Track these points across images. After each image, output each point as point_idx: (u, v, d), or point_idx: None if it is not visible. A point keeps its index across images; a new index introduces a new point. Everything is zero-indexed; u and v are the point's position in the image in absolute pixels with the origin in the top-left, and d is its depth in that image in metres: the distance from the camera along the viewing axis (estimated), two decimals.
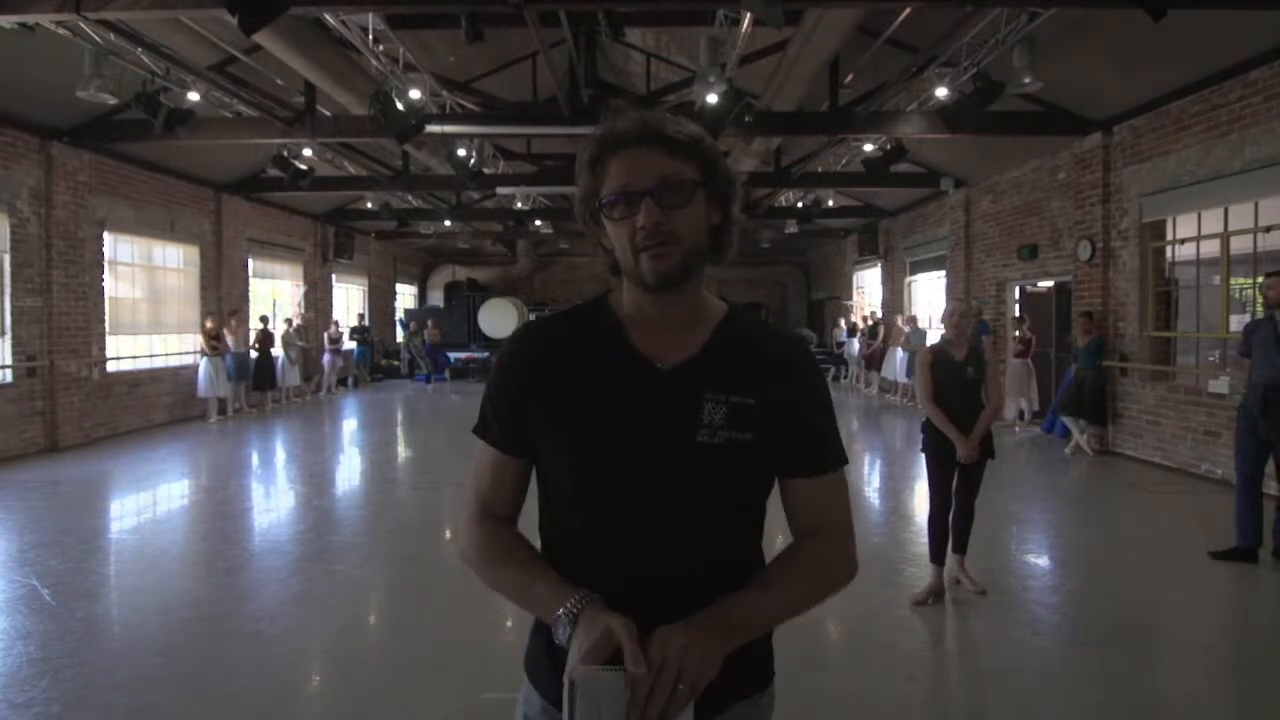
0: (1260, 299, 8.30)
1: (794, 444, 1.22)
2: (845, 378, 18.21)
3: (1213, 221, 7.90)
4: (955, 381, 4.32)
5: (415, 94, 8.28)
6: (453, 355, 19.77)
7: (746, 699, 1.24)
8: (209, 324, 11.86)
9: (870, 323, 16.46)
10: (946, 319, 4.50)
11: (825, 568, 1.25)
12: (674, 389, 1.17)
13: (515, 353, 1.25)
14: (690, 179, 1.15)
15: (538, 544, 1.26)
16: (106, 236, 10.45)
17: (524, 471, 1.27)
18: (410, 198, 15.45)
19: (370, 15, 7.15)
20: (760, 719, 1.28)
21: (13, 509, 6.58)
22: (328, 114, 9.67)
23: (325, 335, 15.41)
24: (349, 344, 17.99)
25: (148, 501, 7.19)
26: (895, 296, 16.59)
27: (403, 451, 10.47)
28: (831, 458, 1.25)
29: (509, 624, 4.02)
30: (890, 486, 8.04)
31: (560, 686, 1.21)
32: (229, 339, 12.18)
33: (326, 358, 15.42)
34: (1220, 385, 7.62)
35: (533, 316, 19.76)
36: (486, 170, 11.86)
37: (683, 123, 1.16)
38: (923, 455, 4.50)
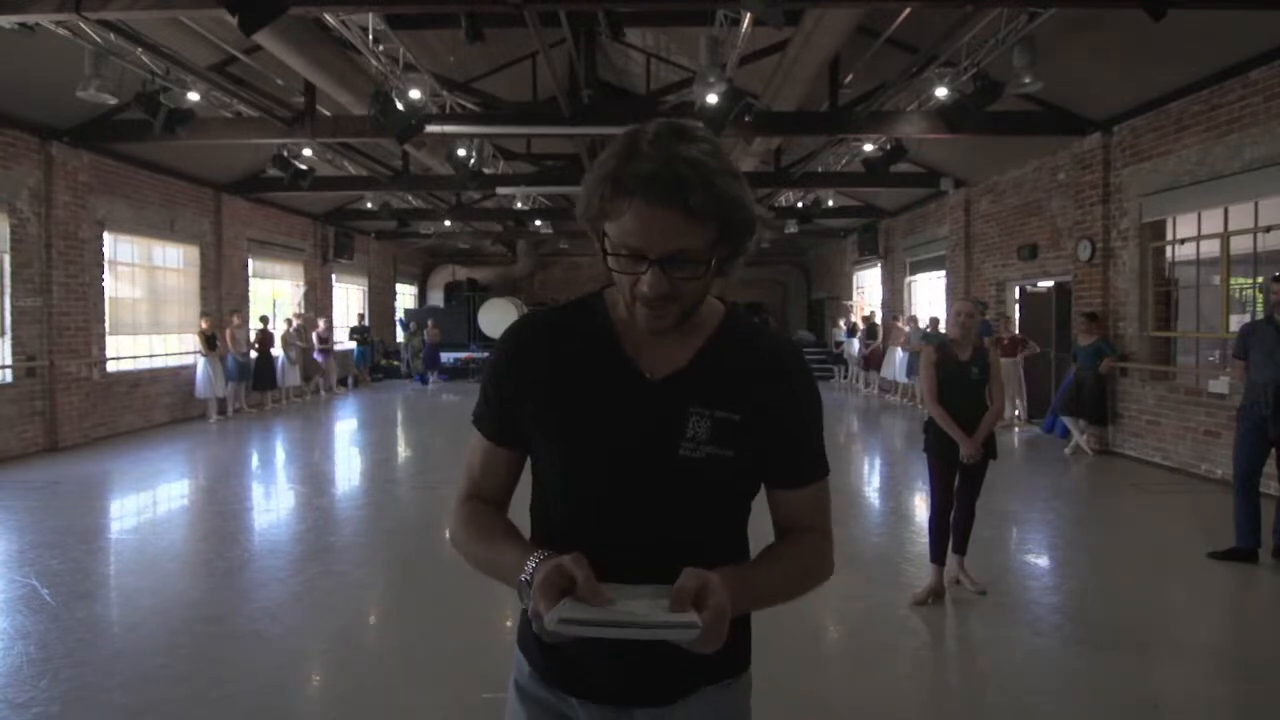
0: (1260, 299, 8.32)
1: (780, 459, 1.23)
2: (846, 377, 18.21)
3: (1213, 221, 7.90)
4: (959, 381, 4.32)
5: (415, 94, 8.28)
6: (451, 356, 19.75)
7: (716, 683, 1.25)
8: (204, 325, 11.85)
9: (867, 323, 16.45)
10: (952, 319, 4.50)
11: (812, 559, 1.26)
12: (661, 400, 1.17)
13: (509, 348, 1.25)
14: (707, 246, 1.07)
15: (527, 532, 1.28)
16: (106, 236, 10.45)
17: (515, 462, 1.29)
18: (410, 198, 15.46)
19: (370, 15, 7.15)
20: (733, 704, 1.28)
21: (13, 509, 6.58)
22: (328, 114, 9.67)
23: (314, 335, 15.15)
24: (348, 344, 17.98)
25: (148, 501, 7.19)
26: (895, 296, 16.59)
27: (402, 451, 10.47)
28: (816, 470, 1.26)
29: (509, 623, 4.02)
30: (890, 486, 8.04)
31: (545, 660, 1.24)
32: (227, 340, 12.18)
33: (318, 358, 15.31)
34: (1220, 385, 7.63)
35: None
36: (486, 170, 11.86)
37: (716, 177, 1.04)
38: (924, 455, 4.50)
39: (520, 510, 1.31)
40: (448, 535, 1.31)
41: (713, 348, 1.20)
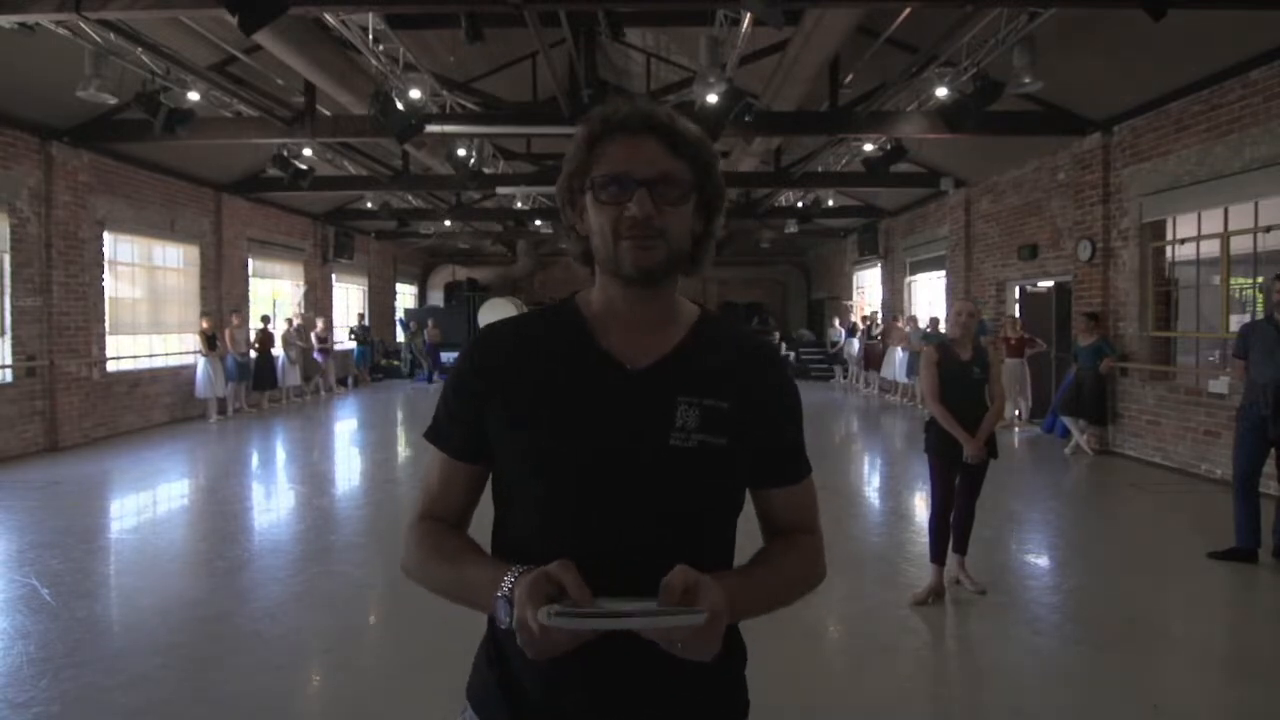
0: (1260, 299, 8.32)
1: (766, 455, 1.20)
2: (845, 377, 18.21)
3: (1213, 221, 7.90)
4: (960, 381, 4.32)
5: (415, 94, 8.28)
6: (451, 356, 19.77)
7: None
8: (205, 324, 11.86)
9: (868, 322, 16.46)
10: (952, 319, 4.51)
11: (806, 561, 1.23)
12: (645, 391, 1.13)
13: (474, 356, 1.19)
14: (687, 180, 1.13)
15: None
16: (106, 236, 10.45)
17: (475, 480, 1.22)
18: (410, 198, 15.46)
19: (370, 15, 7.15)
20: None
21: (13, 509, 6.58)
22: (328, 114, 9.67)
23: (313, 335, 15.04)
24: (348, 344, 17.97)
25: (148, 501, 7.19)
26: (895, 296, 16.59)
27: (403, 451, 10.47)
28: (802, 467, 1.25)
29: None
30: (890, 486, 8.04)
31: (514, 717, 1.14)
32: (227, 340, 12.18)
33: (318, 358, 15.28)
34: (1220, 385, 7.62)
35: None
36: (486, 170, 11.87)
37: (687, 122, 1.15)
38: (924, 454, 4.50)
39: (479, 535, 1.23)
40: (401, 562, 1.22)
41: (691, 340, 1.18)
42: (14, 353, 8.92)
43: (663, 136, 1.12)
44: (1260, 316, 6.02)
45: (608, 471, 1.10)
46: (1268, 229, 7.31)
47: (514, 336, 1.21)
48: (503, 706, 1.15)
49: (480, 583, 1.07)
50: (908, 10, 7.18)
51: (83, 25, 6.55)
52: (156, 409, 11.49)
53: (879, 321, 16.20)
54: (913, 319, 14.30)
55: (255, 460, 9.47)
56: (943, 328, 12.34)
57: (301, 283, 16.36)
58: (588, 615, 0.94)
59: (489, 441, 1.17)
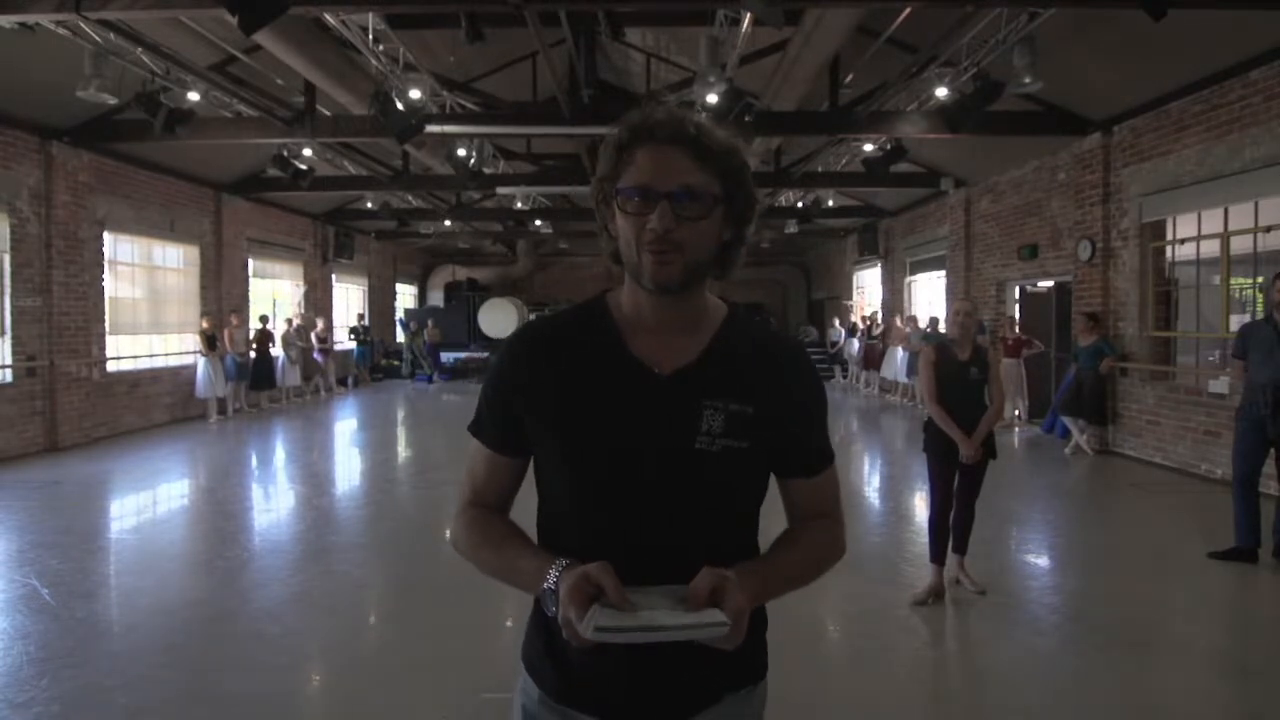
0: (1260, 299, 8.32)
1: (792, 450, 1.26)
2: (845, 377, 18.22)
3: (1213, 221, 7.90)
4: (958, 381, 4.32)
5: (415, 94, 8.28)
6: (451, 356, 19.79)
7: (738, 691, 1.26)
8: (205, 324, 11.86)
9: (868, 323, 16.46)
10: (951, 319, 4.51)
11: (825, 543, 1.31)
12: (672, 395, 1.17)
13: (511, 355, 1.24)
14: (713, 193, 1.13)
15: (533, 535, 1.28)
16: (106, 236, 10.45)
17: (517, 470, 1.29)
18: (410, 198, 15.45)
19: (370, 15, 7.16)
20: (752, 712, 1.30)
21: (13, 509, 6.57)
22: (328, 114, 9.67)
23: (313, 335, 15.04)
24: (348, 344, 17.96)
25: (148, 501, 7.19)
26: (895, 296, 16.59)
27: (403, 451, 10.47)
28: (825, 458, 1.30)
29: (509, 623, 4.02)
30: (890, 486, 8.04)
31: (561, 679, 1.23)
32: (226, 340, 12.18)
33: (318, 358, 15.26)
34: (1220, 385, 7.62)
35: (533, 316, 19.78)
36: (486, 170, 11.86)
37: (718, 132, 1.15)
38: (924, 455, 4.50)
39: (521, 515, 1.30)
40: (450, 540, 1.31)
41: (719, 343, 1.22)
42: (14, 353, 8.92)
43: (690, 147, 1.12)
44: (1260, 316, 6.02)
45: (635, 472, 1.16)
46: (1268, 229, 7.31)
47: (546, 338, 1.25)
48: (549, 667, 1.24)
49: (528, 572, 1.15)
50: (908, 10, 7.19)
51: (83, 25, 6.55)
52: (156, 409, 11.49)
53: (879, 321, 16.20)
54: (912, 319, 14.30)
55: (255, 460, 9.46)
56: (942, 328, 12.34)
57: (301, 283, 16.35)
58: (624, 630, 1.03)
59: (525, 437, 1.24)
